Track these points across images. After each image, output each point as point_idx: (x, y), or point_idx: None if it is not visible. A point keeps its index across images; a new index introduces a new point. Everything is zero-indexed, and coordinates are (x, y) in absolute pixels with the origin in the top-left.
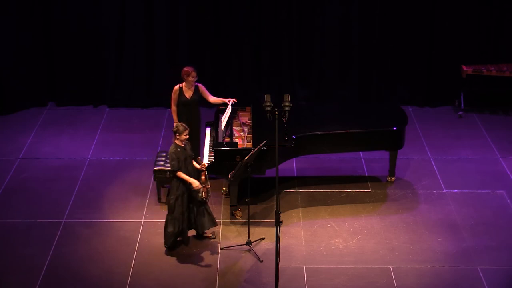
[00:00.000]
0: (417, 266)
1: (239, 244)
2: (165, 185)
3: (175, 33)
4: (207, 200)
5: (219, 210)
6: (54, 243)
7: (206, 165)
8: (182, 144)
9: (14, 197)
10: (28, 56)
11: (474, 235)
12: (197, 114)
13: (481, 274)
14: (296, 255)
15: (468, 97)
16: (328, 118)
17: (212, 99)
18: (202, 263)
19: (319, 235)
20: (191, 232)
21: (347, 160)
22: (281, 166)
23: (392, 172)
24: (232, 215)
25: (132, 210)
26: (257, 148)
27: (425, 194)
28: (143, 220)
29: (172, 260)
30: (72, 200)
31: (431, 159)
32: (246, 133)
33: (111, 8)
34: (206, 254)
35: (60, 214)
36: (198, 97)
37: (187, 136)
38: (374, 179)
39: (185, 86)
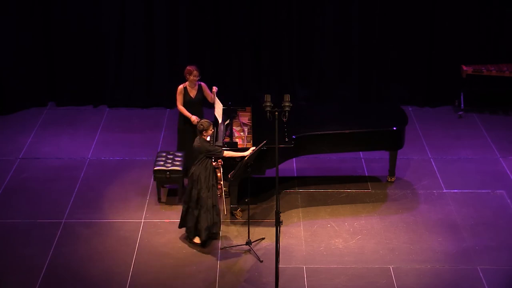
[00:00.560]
0: (417, 266)
1: (239, 244)
2: (165, 185)
3: (175, 33)
4: (220, 197)
5: (219, 210)
6: (54, 243)
7: (222, 162)
8: (208, 139)
9: (14, 197)
10: (28, 56)
11: (474, 235)
12: (201, 113)
13: (481, 274)
14: (296, 255)
15: (468, 97)
16: (328, 118)
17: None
18: (202, 263)
19: (319, 235)
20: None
21: (347, 160)
22: (281, 166)
23: (392, 172)
24: (232, 215)
25: (132, 210)
26: (257, 148)
27: (425, 194)
28: (143, 220)
29: (172, 260)
30: (72, 200)
31: (431, 159)
32: (246, 133)
33: (111, 8)
34: (206, 254)
35: (60, 214)
36: (202, 96)
37: (213, 130)
38: (374, 179)
39: (188, 86)
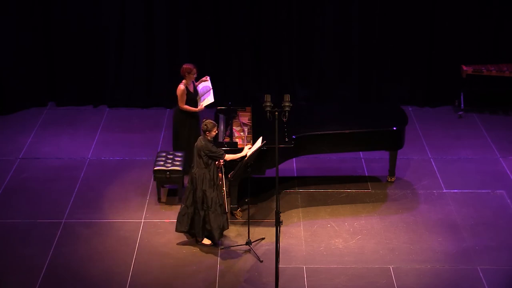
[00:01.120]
0: (417, 266)
1: (239, 244)
2: (165, 185)
3: (175, 33)
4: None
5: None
6: (54, 243)
7: (223, 162)
8: (211, 140)
9: (14, 197)
10: (28, 56)
11: (474, 235)
12: (196, 107)
13: (481, 274)
14: (296, 255)
15: (468, 97)
16: (328, 118)
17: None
18: (202, 263)
19: (319, 235)
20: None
21: (347, 160)
22: (281, 166)
23: (392, 172)
24: (232, 215)
25: (132, 210)
26: (257, 148)
27: (425, 194)
28: (143, 220)
29: (172, 260)
30: (72, 200)
31: (431, 159)
32: (246, 133)
33: (111, 8)
34: (206, 254)
35: (60, 214)
36: (196, 91)
37: (217, 132)
38: (374, 179)
39: (186, 84)
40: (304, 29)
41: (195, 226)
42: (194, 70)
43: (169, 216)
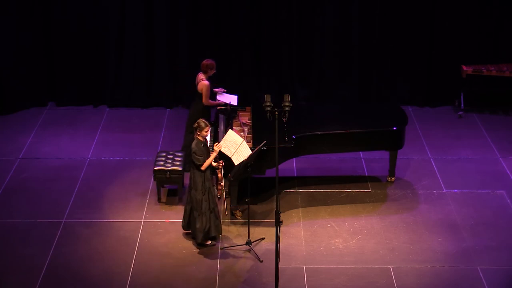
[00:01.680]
0: (417, 266)
1: (239, 244)
2: (165, 185)
3: (175, 33)
4: (219, 198)
5: (219, 209)
6: (54, 243)
7: (223, 163)
8: (203, 140)
9: (14, 197)
10: (28, 56)
11: (474, 235)
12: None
13: (481, 274)
14: (296, 255)
15: (468, 97)
16: (328, 118)
17: None
18: (202, 263)
19: (319, 235)
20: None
21: (347, 160)
22: (281, 166)
23: (392, 172)
24: (232, 215)
25: (132, 210)
26: (257, 148)
27: (425, 194)
28: (143, 220)
29: (172, 260)
30: (72, 200)
31: (431, 159)
32: (246, 133)
33: (111, 8)
34: (206, 254)
35: (60, 214)
36: None
37: (208, 133)
38: (374, 179)
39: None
40: (304, 29)
41: (191, 226)
42: (215, 66)
43: (169, 216)
